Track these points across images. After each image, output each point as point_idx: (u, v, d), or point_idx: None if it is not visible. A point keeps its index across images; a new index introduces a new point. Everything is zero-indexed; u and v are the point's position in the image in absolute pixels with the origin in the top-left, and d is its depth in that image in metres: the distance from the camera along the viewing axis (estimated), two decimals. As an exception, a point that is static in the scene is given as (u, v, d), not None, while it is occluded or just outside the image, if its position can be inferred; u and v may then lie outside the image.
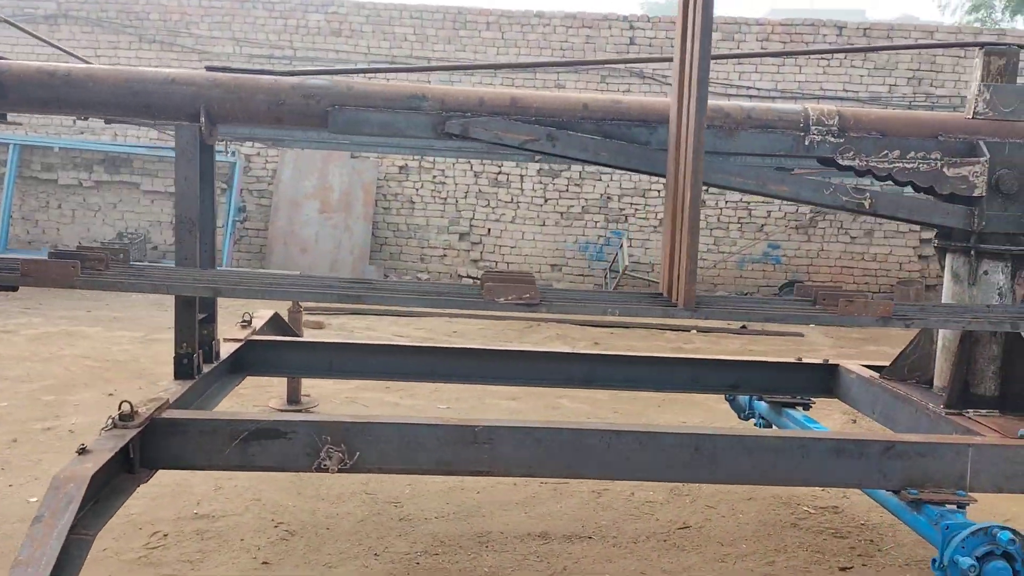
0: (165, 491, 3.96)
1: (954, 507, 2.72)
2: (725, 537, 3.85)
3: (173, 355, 3.10)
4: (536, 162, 9.34)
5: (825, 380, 4.11)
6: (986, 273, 3.32)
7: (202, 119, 2.99)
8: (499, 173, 12.60)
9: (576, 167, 12.07)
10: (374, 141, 6.84)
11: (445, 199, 12.71)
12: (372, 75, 7.55)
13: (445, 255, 12.80)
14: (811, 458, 2.73)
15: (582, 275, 12.63)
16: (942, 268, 3.56)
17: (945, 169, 3.24)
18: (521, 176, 12.59)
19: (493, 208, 12.69)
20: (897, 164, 3.24)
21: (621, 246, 12.05)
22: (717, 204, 12.42)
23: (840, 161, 3.24)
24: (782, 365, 4.21)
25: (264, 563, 3.35)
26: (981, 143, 3.23)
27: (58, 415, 5.19)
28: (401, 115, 3.07)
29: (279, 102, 3.03)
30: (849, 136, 3.22)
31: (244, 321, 4.00)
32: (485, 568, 3.41)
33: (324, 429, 2.59)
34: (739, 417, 4.58)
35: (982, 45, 3.35)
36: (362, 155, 12.18)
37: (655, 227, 12.50)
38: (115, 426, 2.40)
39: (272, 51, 12.58)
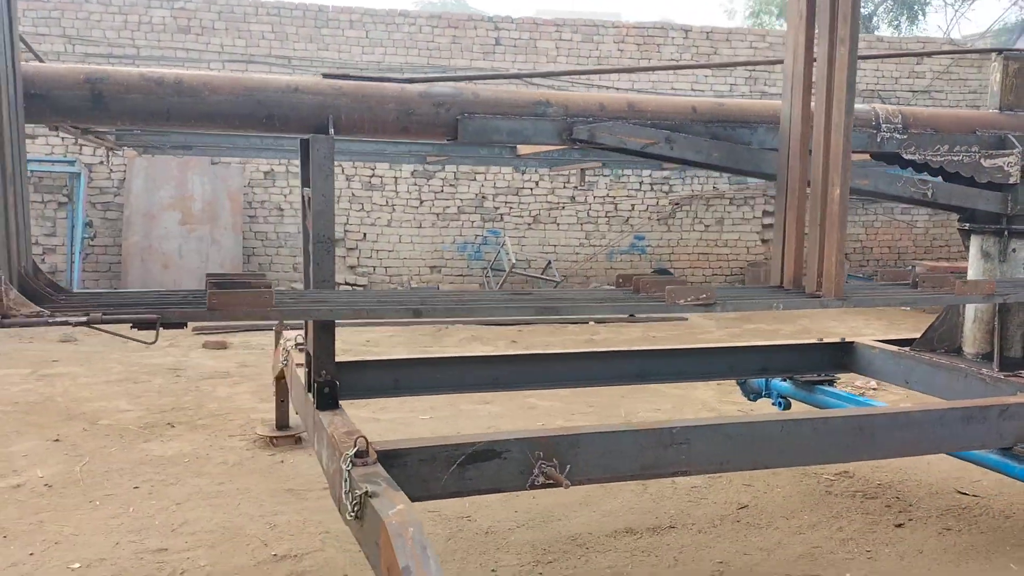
0: (217, 537, 3.62)
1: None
2: (784, 511, 4.10)
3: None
4: (429, 163, 9.26)
5: (839, 357, 4.48)
6: (1015, 251, 3.78)
7: (331, 130, 2.78)
8: (372, 176, 12.31)
9: (450, 167, 12.06)
10: (240, 144, 6.46)
11: (315, 204, 12.21)
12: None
13: (318, 263, 12.31)
14: (947, 427, 3.01)
15: (462, 275, 12.64)
16: (966, 249, 4.00)
17: (983, 160, 3.65)
18: (395, 178, 12.39)
19: (368, 212, 12.38)
20: (947, 157, 3.60)
21: (503, 244, 12.19)
22: (586, 199, 12.89)
23: (904, 156, 3.56)
24: (802, 347, 4.53)
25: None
26: (1011, 136, 3.67)
27: (15, 470, 4.53)
28: (528, 122, 3.02)
29: (409, 111, 2.88)
30: (911, 133, 3.55)
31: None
32: (605, 568, 3.43)
33: (537, 445, 2.52)
34: (749, 399, 4.87)
35: (1001, 51, 3.80)
36: (223, 161, 11.45)
37: (529, 224, 12.75)
38: (355, 464, 2.19)
39: (111, 50, 11.49)
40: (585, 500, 4.20)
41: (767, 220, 13.56)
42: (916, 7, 21.91)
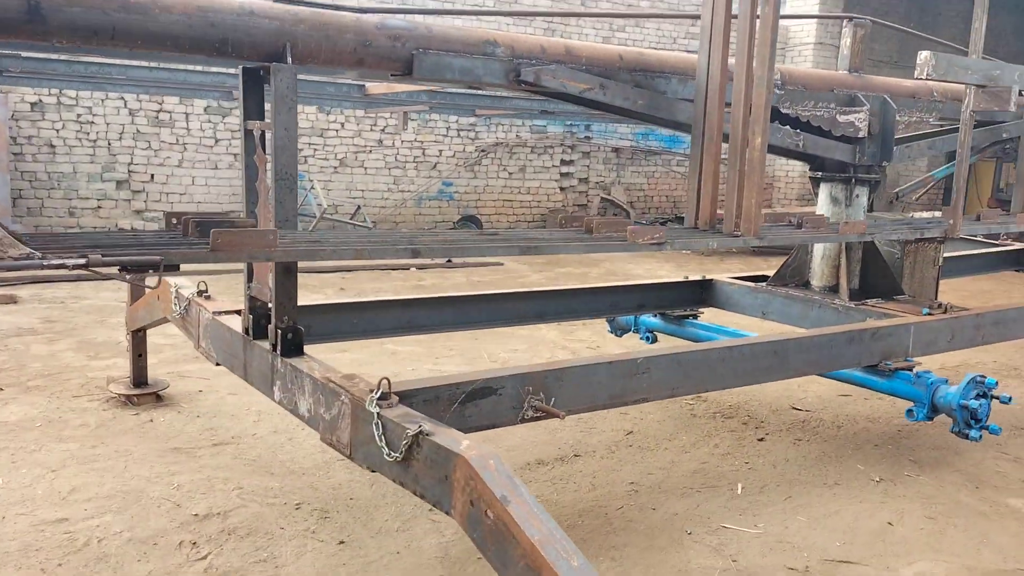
0: (120, 503, 3.33)
1: (911, 369, 3.70)
2: (664, 434, 4.49)
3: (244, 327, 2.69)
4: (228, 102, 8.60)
5: (700, 294, 4.92)
6: (858, 196, 4.35)
7: (288, 59, 2.62)
8: (160, 111, 11.29)
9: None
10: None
11: (95, 141, 11.02)
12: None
13: (100, 207, 11.17)
14: (836, 348, 3.47)
15: (264, 221, 12.04)
16: (815, 196, 4.53)
17: (838, 116, 4.15)
18: (186, 114, 11.45)
19: (156, 151, 11.37)
20: (813, 112, 4.06)
21: (311, 188, 11.75)
22: (394, 143, 12.73)
23: (782, 110, 3.96)
24: (669, 285, 4.91)
25: (341, 543, 3.11)
26: (860, 95, 4.19)
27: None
28: (479, 61, 3.02)
29: (366, 43, 2.78)
30: (787, 89, 3.95)
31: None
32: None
33: (527, 380, 2.60)
34: (616, 335, 5.21)
35: (851, 18, 4.30)
36: (-20, 89, 9.97)
37: (335, 168, 12.38)
38: (380, 407, 2.15)
39: None
40: (485, 439, 4.32)
41: (564, 169, 14.19)
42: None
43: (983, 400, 3.42)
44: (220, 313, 3.19)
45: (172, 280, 3.71)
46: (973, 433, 3.43)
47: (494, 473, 1.81)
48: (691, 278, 4.90)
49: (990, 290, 9.57)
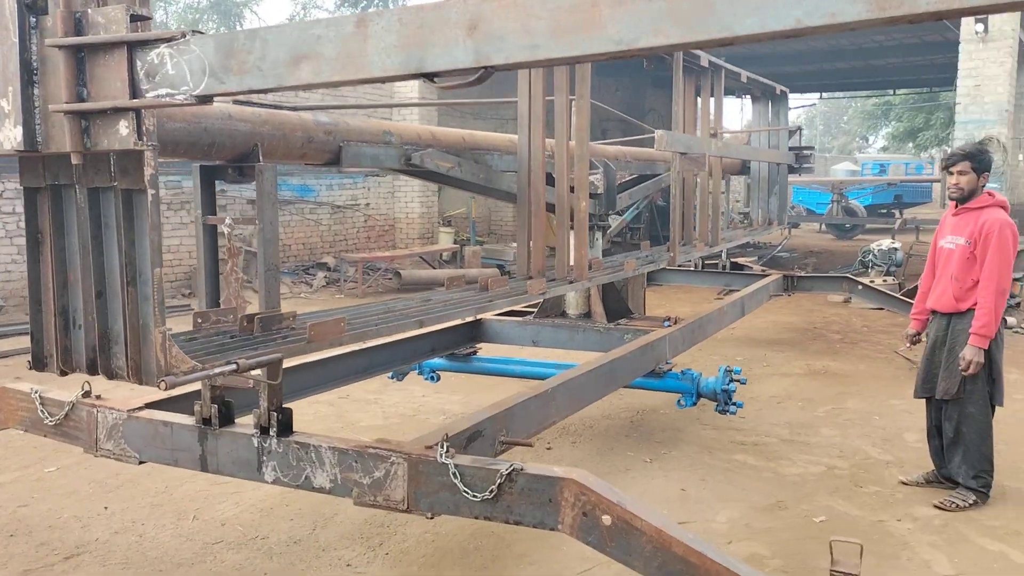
0: None
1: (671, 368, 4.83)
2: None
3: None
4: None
5: (473, 333, 5.63)
6: (597, 239, 5.46)
7: (260, 158, 2.81)
8: None
9: None
10: None
11: None
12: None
13: None
14: (636, 360, 4.44)
15: None
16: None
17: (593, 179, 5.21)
18: None
19: None
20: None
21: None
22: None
23: (552, 173, 4.88)
24: (450, 328, 5.51)
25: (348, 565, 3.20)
26: (594, 160, 5.30)
27: None
28: (382, 149, 3.44)
29: (310, 139, 3.06)
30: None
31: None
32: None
33: (496, 420, 3.08)
34: (398, 380, 5.67)
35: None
36: None
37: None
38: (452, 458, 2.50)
39: None
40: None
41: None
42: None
43: (732, 384, 4.68)
44: (135, 410, 3.08)
45: (14, 387, 3.37)
46: (732, 409, 4.67)
47: (602, 486, 2.35)
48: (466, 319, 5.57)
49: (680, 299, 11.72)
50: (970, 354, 4.22)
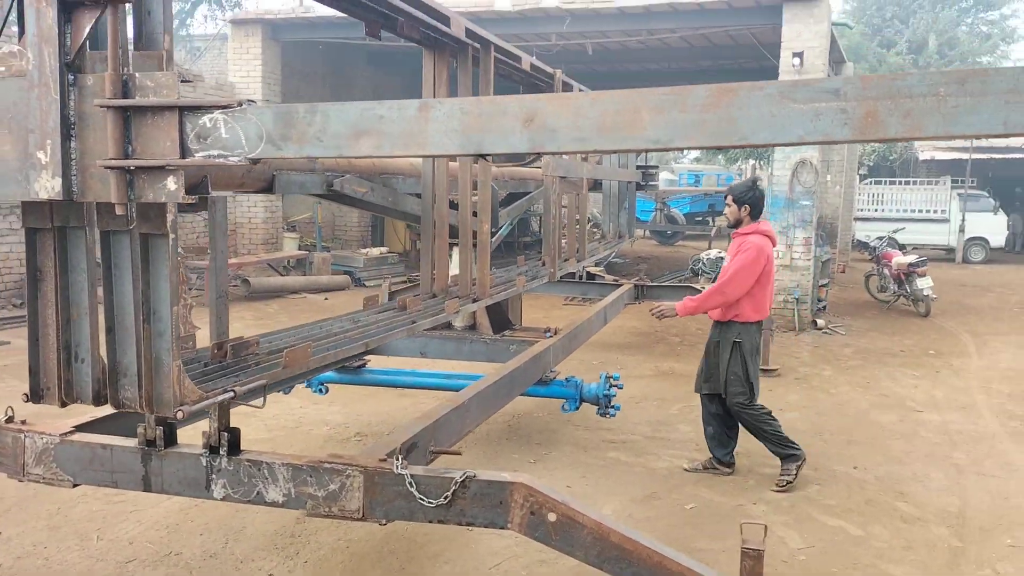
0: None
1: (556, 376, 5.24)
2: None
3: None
4: None
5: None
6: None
7: (210, 189, 2.94)
8: None
9: None
10: None
11: None
12: None
13: None
14: (531, 368, 4.80)
15: None
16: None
17: (472, 198, 5.53)
18: None
19: None
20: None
21: None
22: None
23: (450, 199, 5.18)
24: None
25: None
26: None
27: None
28: (308, 176, 3.62)
29: (249, 170, 3.20)
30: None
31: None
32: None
33: (427, 431, 3.34)
34: (284, 393, 5.75)
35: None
36: None
37: None
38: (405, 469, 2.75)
39: None
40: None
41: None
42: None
43: (612, 389, 5.15)
44: (68, 433, 3.09)
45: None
46: (612, 412, 5.14)
47: (547, 488, 2.68)
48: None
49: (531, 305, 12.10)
50: (666, 307, 5.57)
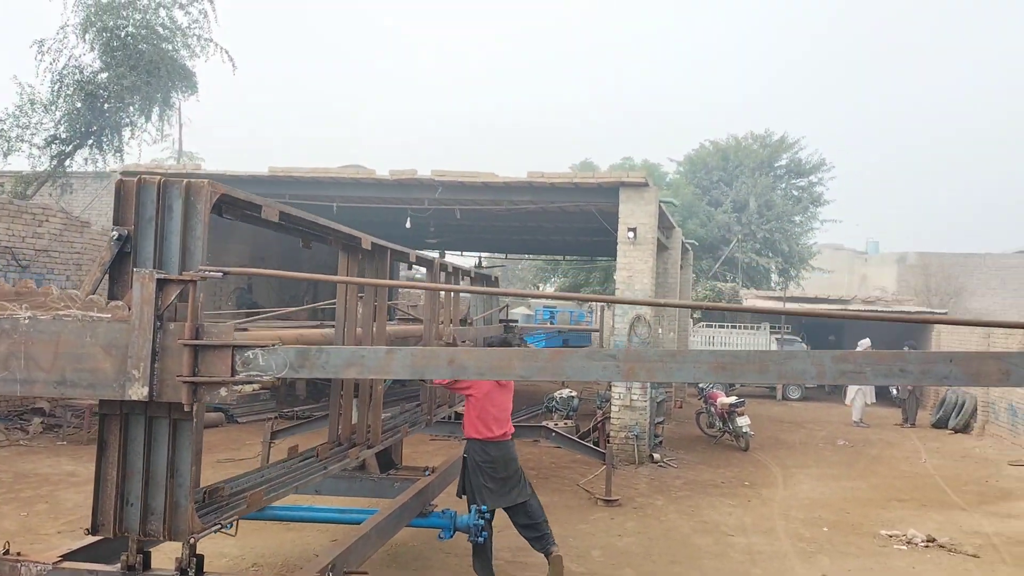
0: None
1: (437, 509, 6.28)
2: None
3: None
4: None
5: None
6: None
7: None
8: None
9: None
10: None
11: None
12: None
13: None
14: (414, 505, 5.84)
15: None
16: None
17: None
18: None
19: None
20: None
21: None
22: None
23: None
24: (242, 479, 6.50)
25: None
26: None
27: None
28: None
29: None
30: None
31: None
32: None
33: (343, 557, 4.33)
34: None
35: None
36: None
37: None
38: (339, 581, 3.75)
39: None
40: None
41: None
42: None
43: (480, 520, 6.24)
44: (58, 562, 3.89)
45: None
46: (481, 538, 6.21)
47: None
48: (258, 472, 6.58)
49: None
50: None
